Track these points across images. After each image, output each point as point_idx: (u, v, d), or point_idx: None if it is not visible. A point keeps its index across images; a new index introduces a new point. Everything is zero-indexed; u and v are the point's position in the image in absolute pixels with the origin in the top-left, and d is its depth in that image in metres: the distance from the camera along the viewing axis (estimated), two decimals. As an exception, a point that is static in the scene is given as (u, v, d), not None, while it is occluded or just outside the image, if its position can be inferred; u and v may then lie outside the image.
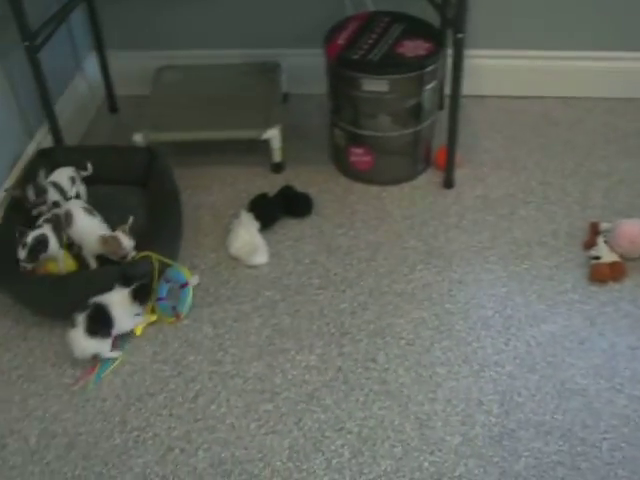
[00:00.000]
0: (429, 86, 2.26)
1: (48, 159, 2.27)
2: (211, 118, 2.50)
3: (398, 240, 2.23)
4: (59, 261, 2.02)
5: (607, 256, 2.08)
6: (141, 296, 1.93)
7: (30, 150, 2.37)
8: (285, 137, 2.45)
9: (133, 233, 2.02)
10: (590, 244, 2.14)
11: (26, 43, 2.15)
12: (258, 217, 2.24)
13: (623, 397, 1.77)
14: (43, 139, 2.45)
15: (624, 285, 2.05)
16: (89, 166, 2.28)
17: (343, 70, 2.25)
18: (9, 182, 2.24)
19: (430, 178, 2.45)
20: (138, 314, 1.96)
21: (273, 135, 2.39)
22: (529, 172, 2.45)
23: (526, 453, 1.67)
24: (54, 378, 1.90)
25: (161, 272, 2.01)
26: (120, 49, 2.80)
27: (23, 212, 2.10)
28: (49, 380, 1.89)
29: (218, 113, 2.52)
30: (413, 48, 2.25)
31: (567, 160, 2.50)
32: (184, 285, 2.02)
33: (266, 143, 2.42)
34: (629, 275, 2.07)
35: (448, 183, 2.40)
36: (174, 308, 2.01)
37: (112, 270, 1.99)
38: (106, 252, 2.02)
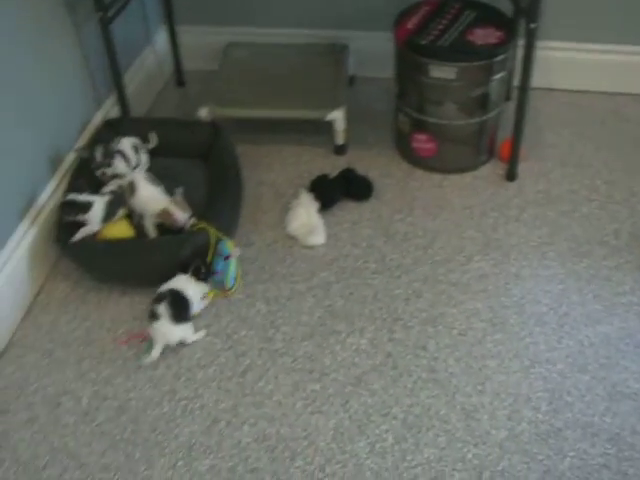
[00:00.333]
0: (498, 76, 2.23)
1: (115, 129, 2.31)
2: (276, 97, 2.51)
3: (456, 229, 2.21)
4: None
5: (670, 260, 2.03)
6: (202, 274, 1.94)
7: (97, 118, 2.42)
8: (349, 119, 2.44)
9: (187, 203, 2.05)
10: (653, 246, 2.10)
11: (100, 14, 2.19)
12: (318, 198, 2.25)
13: (677, 404, 1.74)
14: (111, 109, 2.49)
15: (686, 290, 2.00)
16: (154, 137, 2.32)
17: (411, 55, 2.23)
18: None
19: (493, 169, 2.43)
20: (205, 293, 1.98)
21: (337, 117, 2.39)
22: (594, 170, 2.40)
23: (571, 453, 1.65)
24: (109, 342, 1.94)
25: (216, 246, 2.03)
26: (190, 24, 2.83)
27: (88, 173, 2.15)
28: (104, 344, 1.94)
29: (284, 92, 2.53)
30: (484, 36, 2.21)
31: (635, 159, 2.43)
32: (227, 257, 2.02)
33: (330, 124, 2.42)
34: (692, 280, 2.02)
35: (511, 176, 2.37)
36: (222, 282, 2.03)
37: (169, 240, 2.03)
38: (163, 222, 2.06)
